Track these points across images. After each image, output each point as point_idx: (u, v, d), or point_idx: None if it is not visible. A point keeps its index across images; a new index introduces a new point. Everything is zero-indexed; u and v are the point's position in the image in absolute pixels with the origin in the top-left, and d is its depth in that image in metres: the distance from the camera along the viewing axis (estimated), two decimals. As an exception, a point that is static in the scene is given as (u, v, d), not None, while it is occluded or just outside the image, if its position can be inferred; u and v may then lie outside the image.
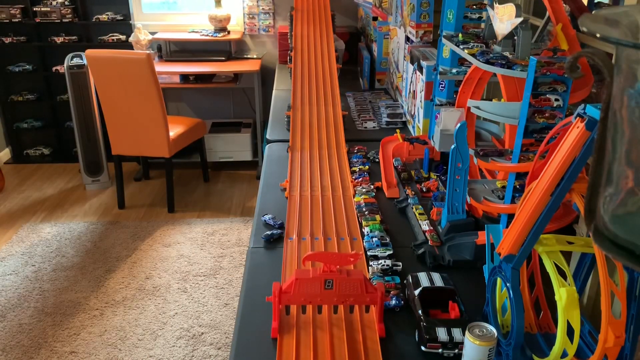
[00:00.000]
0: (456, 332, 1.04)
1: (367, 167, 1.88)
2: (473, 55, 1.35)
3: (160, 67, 3.77)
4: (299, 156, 1.97)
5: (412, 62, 2.04)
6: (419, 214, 1.52)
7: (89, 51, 3.30)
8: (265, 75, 4.13)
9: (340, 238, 1.46)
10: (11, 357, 2.39)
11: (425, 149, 1.77)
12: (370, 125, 2.34)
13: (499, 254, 1.01)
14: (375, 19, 2.92)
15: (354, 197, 1.67)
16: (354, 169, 1.87)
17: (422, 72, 1.88)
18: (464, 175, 1.30)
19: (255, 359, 1.05)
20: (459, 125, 1.27)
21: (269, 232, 1.47)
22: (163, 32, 4.11)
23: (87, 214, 3.63)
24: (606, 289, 0.85)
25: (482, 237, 1.26)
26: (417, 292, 1.15)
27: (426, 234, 1.42)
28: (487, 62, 1.28)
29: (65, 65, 3.65)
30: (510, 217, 1.02)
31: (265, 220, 1.54)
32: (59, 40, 4.09)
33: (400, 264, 1.33)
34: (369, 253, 1.38)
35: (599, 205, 0.63)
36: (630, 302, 0.89)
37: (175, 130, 3.54)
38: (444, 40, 1.62)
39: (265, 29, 4.14)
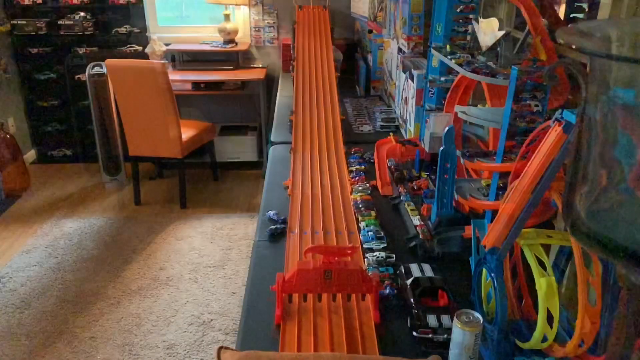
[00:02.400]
0: (445, 319, 1.05)
1: (363, 167, 1.88)
2: (460, 64, 1.35)
3: (173, 76, 3.76)
4: (300, 157, 1.96)
5: (404, 71, 2.04)
6: (411, 210, 1.52)
7: (108, 61, 3.30)
8: (270, 83, 4.13)
9: (339, 232, 1.46)
10: (35, 342, 2.39)
11: (416, 151, 1.77)
12: (366, 128, 2.34)
13: (484, 247, 1.01)
14: (370, 31, 2.92)
15: (351, 195, 1.67)
16: (351, 168, 1.87)
17: (413, 80, 1.88)
18: (452, 175, 1.30)
19: (260, 343, 1.05)
20: (447, 128, 1.27)
21: (273, 227, 1.47)
22: (176, 43, 4.10)
23: (106, 210, 3.63)
24: (583, 278, 0.85)
25: (468, 231, 1.26)
26: (409, 281, 1.15)
27: (417, 228, 1.42)
28: (473, 71, 1.28)
29: (86, 73, 3.65)
30: (495, 213, 1.02)
31: (269, 216, 1.54)
32: (81, 50, 4.09)
33: (394, 255, 1.33)
34: (365, 246, 1.38)
35: (575, 202, 0.63)
36: (604, 291, 0.89)
37: (187, 133, 3.53)
38: (433, 51, 1.62)
39: (270, 40, 4.13)
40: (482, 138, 1.59)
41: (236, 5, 3.96)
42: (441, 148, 1.28)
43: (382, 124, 2.32)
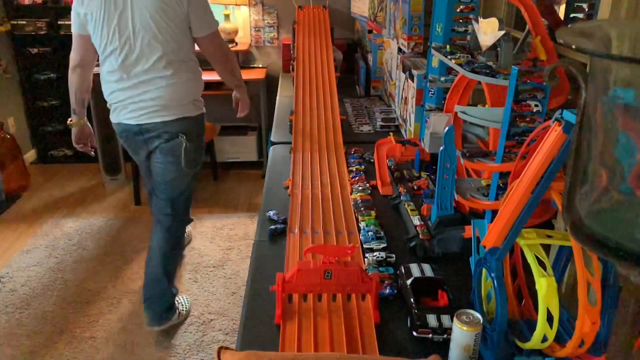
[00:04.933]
0: (445, 319, 1.05)
1: (363, 167, 1.88)
2: (460, 65, 1.35)
3: (173, 76, 3.75)
4: (300, 157, 1.97)
5: (404, 71, 2.04)
6: (411, 210, 1.52)
7: (108, 61, 3.30)
8: (270, 83, 4.12)
9: (339, 232, 1.46)
10: (35, 342, 2.39)
11: (416, 151, 1.77)
12: (366, 128, 2.34)
13: (484, 247, 1.01)
14: (370, 31, 2.92)
15: (351, 195, 1.67)
16: (351, 168, 1.87)
17: (413, 80, 1.88)
18: (452, 175, 1.30)
19: (260, 343, 1.06)
20: (447, 128, 1.27)
21: (273, 227, 1.47)
22: (176, 43, 4.10)
23: (106, 210, 3.63)
24: (583, 278, 0.85)
25: (468, 231, 1.27)
26: (409, 281, 1.15)
27: (417, 228, 1.42)
28: (473, 71, 1.28)
29: (86, 73, 3.65)
30: (495, 212, 1.02)
31: (269, 216, 1.54)
32: (80, 50, 4.09)
33: (394, 255, 1.33)
34: (364, 246, 1.38)
35: (575, 202, 0.63)
36: (604, 291, 0.89)
37: (187, 133, 3.53)
38: (433, 51, 1.62)
39: (270, 40, 4.13)
40: (482, 138, 1.59)
41: (236, 5, 3.96)
42: (441, 148, 1.28)
43: (382, 124, 2.32)
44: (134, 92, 2.10)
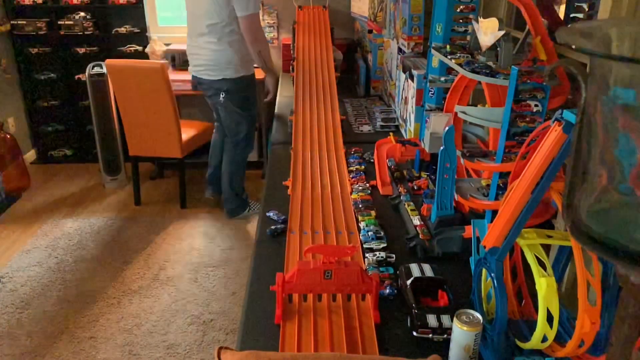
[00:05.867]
0: (445, 319, 1.04)
1: (363, 167, 1.88)
2: (460, 65, 1.35)
3: (173, 76, 3.75)
4: (300, 157, 1.96)
5: (404, 71, 2.04)
6: (411, 210, 1.52)
7: (108, 61, 3.30)
8: (270, 83, 4.12)
9: (339, 232, 1.46)
10: (35, 342, 2.39)
11: (416, 151, 1.77)
12: (366, 128, 2.34)
13: (484, 247, 1.01)
14: (370, 31, 2.92)
15: (351, 195, 1.67)
16: (351, 168, 1.87)
17: (413, 80, 1.88)
18: (452, 175, 1.30)
19: (260, 343, 1.05)
20: (447, 128, 1.27)
21: (273, 227, 1.47)
22: (177, 43, 4.10)
23: (106, 210, 3.63)
24: (582, 278, 0.85)
25: (468, 231, 1.27)
26: (409, 281, 1.15)
27: (417, 228, 1.42)
28: (473, 71, 1.28)
29: (86, 73, 3.65)
30: (495, 213, 1.02)
31: (269, 216, 1.54)
32: (81, 50, 4.09)
33: (394, 255, 1.33)
34: (365, 246, 1.38)
35: (576, 202, 0.63)
36: (604, 291, 0.89)
37: (187, 133, 3.53)
38: (433, 51, 1.62)
39: (270, 40, 4.13)
40: (482, 138, 1.59)
41: (236, 5, 3.95)
42: (441, 148, 1.28)
43: (382, 124, 2.31)
44: (195, 51, 2.98)
